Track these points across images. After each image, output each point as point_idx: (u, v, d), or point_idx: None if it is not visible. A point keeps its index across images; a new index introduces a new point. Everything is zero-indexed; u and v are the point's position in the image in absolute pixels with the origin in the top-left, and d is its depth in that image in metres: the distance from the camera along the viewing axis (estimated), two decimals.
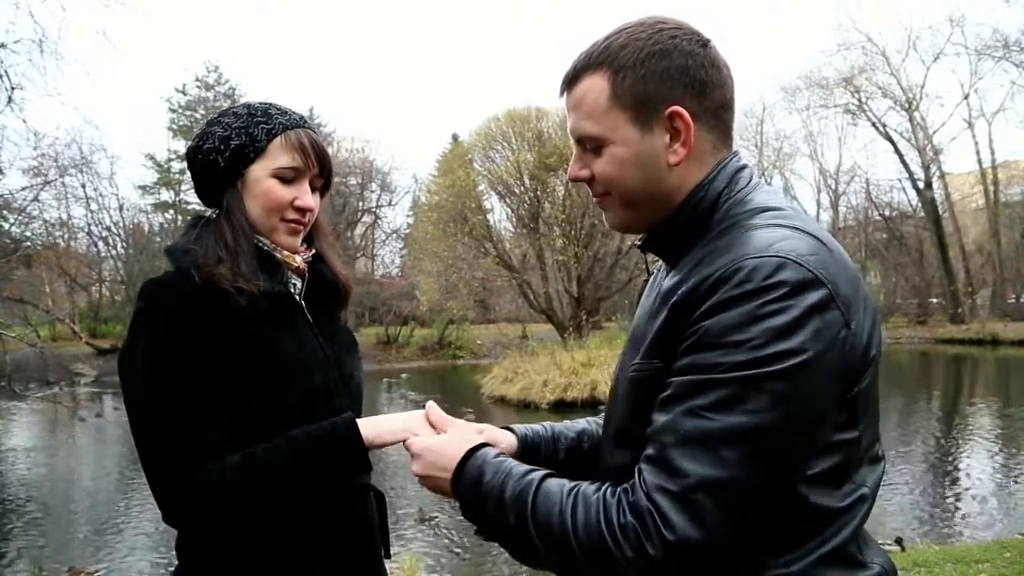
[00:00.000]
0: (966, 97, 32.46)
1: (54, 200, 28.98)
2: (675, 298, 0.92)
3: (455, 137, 37.14)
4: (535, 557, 0.96)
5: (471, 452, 1.05)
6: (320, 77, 74.29)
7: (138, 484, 9.36)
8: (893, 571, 0.98)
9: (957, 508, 7.68)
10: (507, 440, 1.26)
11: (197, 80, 36.74)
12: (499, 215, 27.53)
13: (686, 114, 0.98)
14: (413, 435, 1.18)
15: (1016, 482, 8.61)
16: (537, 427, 1.32)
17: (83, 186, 31.66)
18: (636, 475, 0.89)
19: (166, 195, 37.22)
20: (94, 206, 33.51)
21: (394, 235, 40.56)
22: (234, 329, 1.21)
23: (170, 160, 35.97)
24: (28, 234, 22.59)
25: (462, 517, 1.05)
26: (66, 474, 11.28)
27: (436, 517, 7.41)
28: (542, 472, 0.98)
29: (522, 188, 23.12)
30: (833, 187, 39.59)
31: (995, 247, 33.18)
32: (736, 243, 0.91)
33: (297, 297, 1.36)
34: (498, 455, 1.04)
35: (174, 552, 1.31)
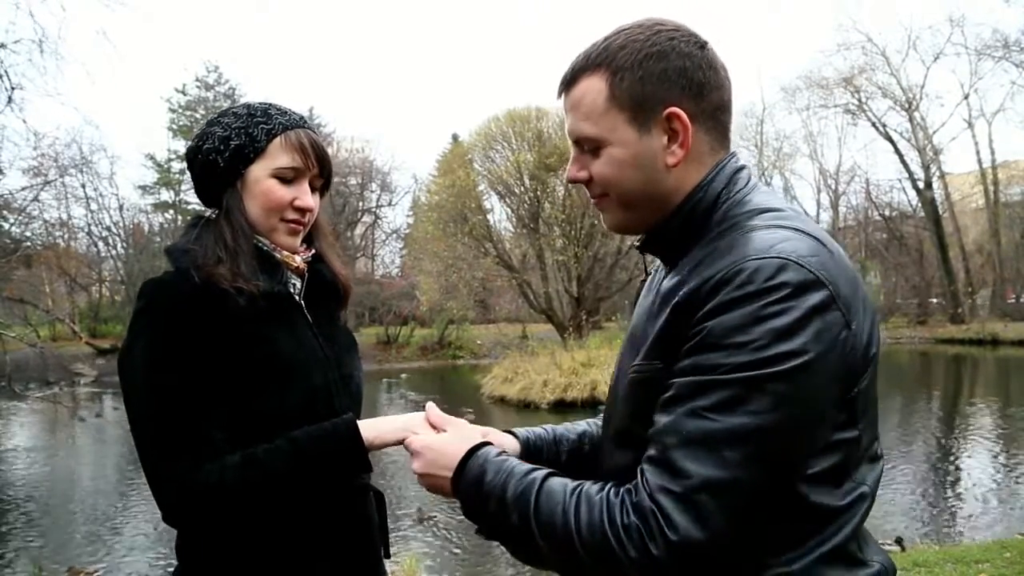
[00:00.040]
0: (966, 97, 32.51)
1: (54, 200, 29.03)
2: (676, 299, 0.92)
3: (455, 137, 37.18)
4: (537, 556, 0.96)
5: (472, 451, 1.05)
6: (320, 77, 74.35)
7: (137, 484, 9.37)
8: (893, 569, 0.99)
9: (957, 508, 7.68)
10: (510, 444, 1.26)
11: (197, 80, 36.80)
12: (499, 215, 27.58)
13: (684, 115, 0.98)
14: (413, 433, 1.18)
15: (1016, 482, 8.62)
16: (538, 430, 1.32)
17: (83, 186, 31.73)
18: (639, 476, 0.89)
19: (166, 195, 37.24)
20: (94, 206, 33.58)
21: (394, 235, 40.63)
22: (234, 329, 1.21)
23: (170, 160, 35.98)
24: (28, 234, 22.60)
25: (462, 517, 1.05)
26: (66, 474, 11.28)
27: (435, 517, 7.42)
28: (544, 471, 0.98)
29: (522, 188, 23.12)
30: (833, 187, 39.63)
31: (995, 247, 33.19)
32: (737, 244, 0.91)
33: (297, 297, 1.36)
34: (499, 454, 1.04)
35: (173, 552, 1.31)
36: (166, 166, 36.26)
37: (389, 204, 38.39)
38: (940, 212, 32.80)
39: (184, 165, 1.38)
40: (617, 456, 1.03)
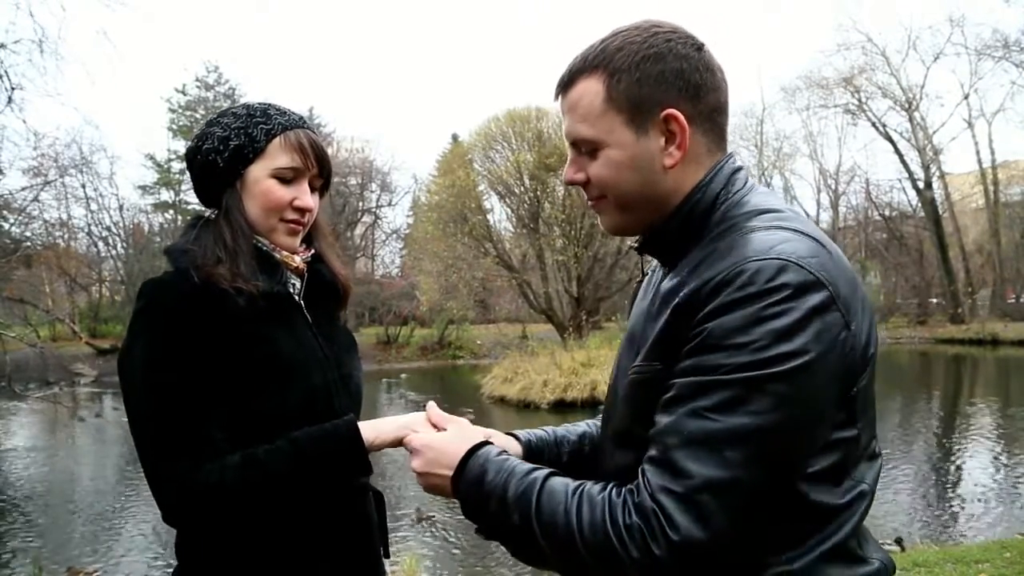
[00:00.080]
0: (966, 97, 32.50)
1: (54, 200, 29.06)
2: (676, 300, 0.92)
3: (455, 137, 37.18)
4: (538, 556, 0.96)
5: (473, 450, 1.05)
6: (320, 77, 74.37)
7: (137, 484, 9.37)
8: (892, 567, 0.99)
9: (957, 508, 7.68)
10: (512, 447, 1.25)
11: (197, 80, 36.81)
12: (499, 215, 27.58)
13: (681, 117, 0.98)
14: (412, 432, 1.18)
15: (1016, 482, 8.62)
16: (539, 432, 1.33)
17: (83, 186, 31.76)
18: (640, 476, 0.89)
19: (166, 195, 37.25)
20: (94, 206, 33.60)
21: (394, 235, 40.60)
22: (233, 329, 1.21)
23: (170, 160, 35.98)
24: (28, 234, 22.62)
25: (461, 517, 1.05)
26: (65, 474, 11.28)
27: (433, 516, 7.42)
28: (545, 471, 0.98)
29: (522, 188, 23.12)
30: (833, 187, 39.63)
31: (995, 247, 33.19)
32: (737, 245, 0.91)
33: (296, 297, 1.36)
34: (500, 453, 1.04)
35: (172, 552, 1.31)
36: (166, 166, 36.27)
37: (389, 204, 38.42)
38: (940, 212, 32.79)
39: (184, 165, 1.38)
40: (617, 457, 1.03)
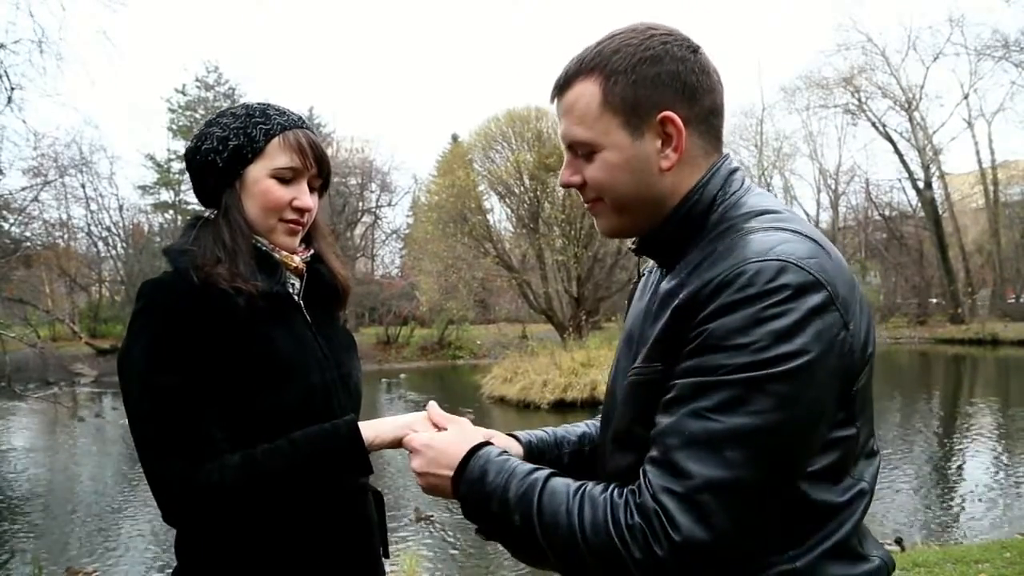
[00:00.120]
0: (966, 97, 32.54)
1: (54, 200, 29.10)
2: (676, 302, 0.93)
3: (455, 137, 37.17)
4: (539, 557, 0.96)
5: (474, 450, 1.05)
6: (320, 77, 74.43)
7: (137, 484, 9.38)
8: (892, 564, 1.00)
9: (957, 508, 7.68)
10: (513, 448, 1.25)
11: (197, 80, 36.81)
12: (499, 215, 27.59)
13: (678, 119, 0.98)
14: (412, 432, 1.18)
15: (1016, 482, 8.62)
16: (540, 433, 1.33)
17: (83, 186, 31.76)
18: (641, 476, 0.89)
19: (166, 195, 37.26)
20: (94, 206, 33.61)
21: (394, 235, 40.59)
22: (232, 329, 1.21)
23: (170, 160, 35.98)
24: (28, 234, 22.61)
25: (460, 516, 1.05)
26: (65, 474, 11.28)
27: (432, 516, 7.43)
28: (546, 471, 0.98)
29: (522, 188, 23.13)
30: (833, 187, 39.61)
31: (995, 247, 33.20)
32: (736, 247, 0.92)
33: (296, 297, 1.36)
34: (501, 453, 1.04)
35: (172, 552, 1.31)
36: (166, 166, 36.27)
37: (389, 204, 38.35)
38: (940, 212, 32.80)
39: (184, 165, 1.38)
40: (618, 458, 1.03)
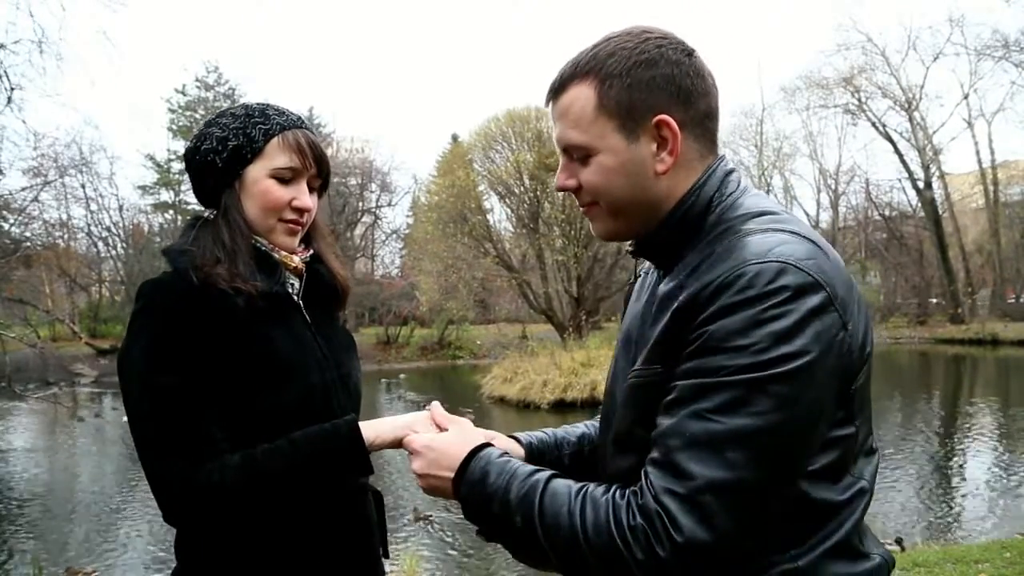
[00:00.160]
0: (966, 97, 32.52)
1: (54, 200, 29.09)
2: (676, 304, 0.93)
3: (455, 137, 37.15)
4: (540, 558, 0.96)
5: (474, 452, 1.05)
6: (320, 77, 74.40)
7: (137, 484, 9.38)
8: (892, 562, 1.00)
9: (957, 508, 7.69)
10: (514, 449, 1.26)
11: (197, 80, 36.81)
12: (499, 215, 27.59)
13: (673, 123, 0.98)
14: (412, 432, 1.18)
15: (1016, 482, 8.62)
16: (540, 434, 1.33)
17: (83, 186, 31.76)
18: (643, 478, 0.89)
19: (166, 195, 37.26)
20: (94, 206, 33.61)
21: (394, 235, 40.57)
22: (232, 329, 1.21)
23: (170, 160, 35.99)
24: (28, 234, 22.61)
25: (460, 517, 1.05)
26: (65, 474, 11.29)
27: (432, 516, 7.43)
28: (548, 472, 0.98)
29: (522, 188, 23.14)
30: (833, 187, 39.60)
31: (995, 247, 33.20)
32: (735, 248, 0.92)
33: (295, 297, 1.36)
34: (502, 455, 1.04)
35: (172, 552, 1.31)
36: (166, 166, 36.27)
37: (389, 204, 38.32)
38: (940, 212, 32.80)
39: (183, 166, 1.38)
40: (619, 459, 1.03)
